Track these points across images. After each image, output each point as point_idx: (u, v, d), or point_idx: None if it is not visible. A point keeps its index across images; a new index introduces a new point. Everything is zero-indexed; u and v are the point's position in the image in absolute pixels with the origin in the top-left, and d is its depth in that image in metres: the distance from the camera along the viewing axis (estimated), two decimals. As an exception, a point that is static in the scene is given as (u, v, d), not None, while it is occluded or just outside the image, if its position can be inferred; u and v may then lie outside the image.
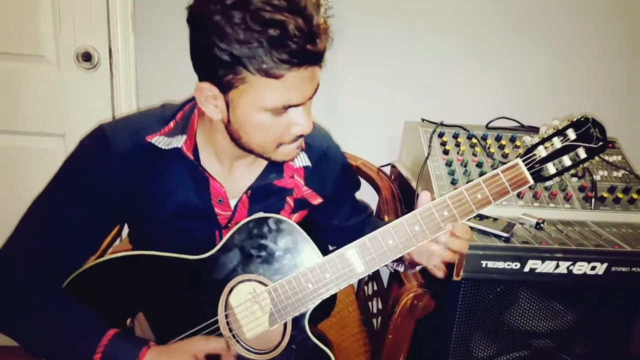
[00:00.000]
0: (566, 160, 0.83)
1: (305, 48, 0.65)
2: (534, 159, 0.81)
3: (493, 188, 0.77)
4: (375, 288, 1.36)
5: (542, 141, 0.85)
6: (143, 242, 0.85)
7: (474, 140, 1.25)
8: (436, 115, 1.41)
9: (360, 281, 1.51)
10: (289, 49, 0.64)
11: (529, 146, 0.85)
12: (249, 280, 0.80)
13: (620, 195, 1.15)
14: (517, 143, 1.28)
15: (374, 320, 1.31)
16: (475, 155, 1.22)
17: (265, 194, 0.87)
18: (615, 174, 1.22)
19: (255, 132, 0.73)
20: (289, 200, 0.89)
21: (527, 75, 1.54)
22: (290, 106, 0.71)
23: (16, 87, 1.49)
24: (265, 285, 0.79)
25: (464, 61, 1.51)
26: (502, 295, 1.08)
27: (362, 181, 1.19)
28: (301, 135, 0.76)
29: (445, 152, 1.22)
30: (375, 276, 1.37)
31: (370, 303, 1.38)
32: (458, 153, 1.22)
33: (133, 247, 0.92)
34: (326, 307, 1.11)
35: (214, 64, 0.67)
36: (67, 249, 0.77)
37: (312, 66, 0.68)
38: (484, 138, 1.27)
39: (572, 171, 0.84)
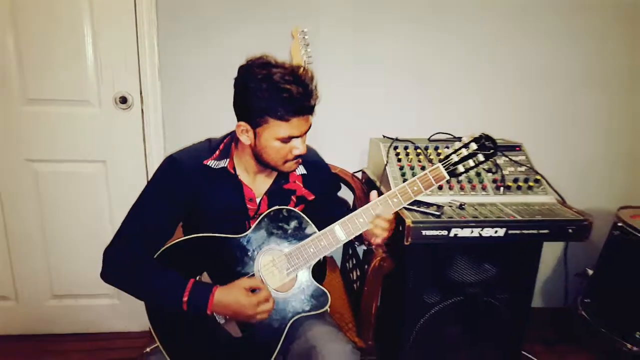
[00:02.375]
0: (471, 163, 1.31)
1: (303, 105, 1.12)
2: (450, 162, 1.29)
3: (423, 182, 1.24)
4: (355, 262, 1.82)
5: (455, 151, 1.32)
6: (199, 229, 1.28)
7: (419, 151, 1.74)
8: (393, 131, 1.89)
9: (343, 259, 1.97)
10: (294, 106, 1.11)
11: (447, 154, 1.33)
12: (272, 249, 1.25)
13: (521, 184, 1.64)
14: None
15: (354, 285, 1.77)
16: (420, 162, 1.70)
17: (278, 194, 1.32)
18: (519, 169, 1.71)
19: (271, 152, 1.19)
20: (293, 197, 1.35)
21: (457, 99, 2.05)
22: (293, 137, 1.17)
23: (68, 125, 1.88)
24: (283, 251, 1.24)
25: (411, 89, 2.01)
26: (440, 255, 1.56)
27: (342, 184, 1.67)
28: (299, 155, 1.22)
29: (399, 160, 1.69)
30: (354, 254, 1.83)
31: (350, 274, 1.84)
32: (408, 160, 1.70)
33: (187, 234, 1.35)
34: (320, 276, 1.57)
35: (249, 112, 1.14)
36: (156, 233, 1.21)
37: (307, 115, 1.15)
38: (426, 148, 1.75)
39: (484, 167, 1.32)
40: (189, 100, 1.94)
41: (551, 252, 2.25)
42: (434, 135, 1.87)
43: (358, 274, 1.74)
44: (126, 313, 2.12)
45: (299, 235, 1.25)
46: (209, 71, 1.91)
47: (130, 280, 1.18)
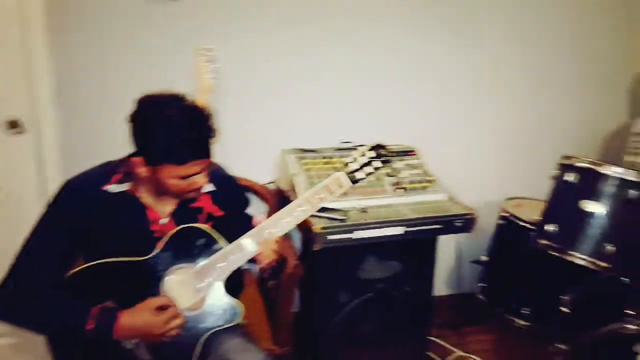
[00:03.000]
0: (369, 169, 1.42)
1: (199, 150, 1.16)
2: (350, 170, 1.39)
3: (328, 189, 1.33)
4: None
5: (355, 159, 1.43)
6: (103, 255, 1.26)
7: (325, 159, 1.84)
8: (305, 142, 1.97)
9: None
10: (191, 151, 1.15)
11: (348, 163, 1.43)
12: (180, 268, 1.27)
13: (417, 185, 1.80)
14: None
15: (271, 294, 1.82)
16: (328, 170, 1.80)
17: (185, 213, 1.33)
18: (415, 171, 1.87)
19: (170, 187, 1.21)
20: (202, 214, 1.37)
21: (362, 108, 2.19)
22: (192, 175, 1.20)
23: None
24: (193, 269, 1.26)
25: (319, 98, 2.12)
26: (349, 256, 1.67)
27: (254, 197, 1.72)
28: (200, 187, 1.24)
29: (308, 170, 1.78)
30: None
31: (267, 284, 1.89)
32: (316, 169, 1.79)
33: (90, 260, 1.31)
34: (236, 289, 1.59)
35: (145, 152, 1.15)
36: (53, 264, 1.17)
37: (205, 158, 1.19)
38: (332, 157, 1.85)
39: (383, 172, 1.43)
40: (86, 123, 1.88)
41: (455, 243, 2.48)
42: (339, 144, 1.98)
43: (274, 282, 1.79)
44: (28, 351, 1.98)
45: (208, 251, 1.27)
46: (108, 91, 1.86)
47: (27, 316, 1.13)
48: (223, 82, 1.81)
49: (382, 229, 1.56)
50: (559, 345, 1.59)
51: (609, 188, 1.49)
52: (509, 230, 2.06)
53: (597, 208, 1.50)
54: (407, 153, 1.93)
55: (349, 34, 2.10)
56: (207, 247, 1.27)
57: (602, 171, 1.50)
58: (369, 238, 1.56)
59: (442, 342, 2.16)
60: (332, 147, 1.95)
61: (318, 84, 2.11)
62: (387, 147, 1.42)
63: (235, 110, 1.97)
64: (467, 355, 2.13)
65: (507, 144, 2.48)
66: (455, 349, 2.15)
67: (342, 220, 1.55)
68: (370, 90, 2.19)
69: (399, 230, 1.59)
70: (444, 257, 2.36)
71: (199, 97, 1.61)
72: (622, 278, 1.60)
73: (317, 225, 1.50)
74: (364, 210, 1.64)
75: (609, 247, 1.48)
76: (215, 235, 1.28)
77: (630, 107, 2.53)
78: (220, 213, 1.40)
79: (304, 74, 2.09)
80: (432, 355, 2.07)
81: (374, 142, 1.44)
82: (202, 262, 1.27)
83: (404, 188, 1.78)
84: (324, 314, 1.72)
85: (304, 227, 1.54)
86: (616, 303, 1.55)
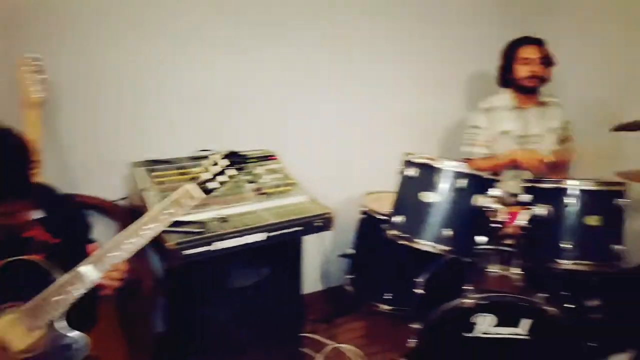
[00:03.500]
0: (223, 178, 1.40)
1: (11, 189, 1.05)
2: (202, 181, 1.35)
3: (177, 203, 1.27)
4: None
5: (207, 169, 1.40)
6: None
7: (180, 170, 1.77)
8: (159, 152, 1.87)
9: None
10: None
11: (199, 173, 1.39)
12: (12, 307, 1.12)
13: (278, 189, 1.83)
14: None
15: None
16: (182, 181, 1.73)
17: (12, 244, 1.18)
18: (276, 176, 1.90)
19: None
20: (33, 244, 1.23)
21: (218, 114, 2.15)
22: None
23: None
24: (24, 306, 1.13)
25: (173, 108, 2.03)
26: (216, 267, 1.64)
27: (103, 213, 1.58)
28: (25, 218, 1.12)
29: (160, 183, 1.70)
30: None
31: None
32: (170, 182, 1.72)
33: None
34: (87, 318, 1.46)
35: None
36: None
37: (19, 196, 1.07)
38: (187, 167, 1.79)
39: (244, 178, 1.42)
40: None
41: (325, 239, 2.58)
42: (195, 152, 1.92)
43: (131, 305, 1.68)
44: None
45: (40, 285, 1.15)
46: None
47: None
48: (60, 94, 1.64)
49: (243, 237, 1.56)
50: (412, 325, 1.75)
51: (443, 180, 1.67)
52: (368, 223, 2.21)
53: (434, 198, 1.67)
54: (268, 158, 1.95)
55: (200, 38, 2.05)
56: (40, 281, 1.15)
57: (437, 165, 1.68)
58: (230, 248, 1.55)
59: (316, 337, 2.24)
60: (187, 156, 1.88)
61: (171, 90, 2.03)
62: (242, 154, 1.42)
63: (78, 123, 1.80)
64: (340, 345, 2.24)
65: (367, 141, 2.65)
66: (329, 342, 2.24)
67: (199, 232, 1.51)
68: (229, 96, 2.17)
69: (261, 237, 1.60)
70: (315, 254, 2.45)
71: (25, 112, 1.44)
72: (462, 258, 1.81)
73: (171, 242, 1.44)
74: (224, 220, 1.62)
75: (446, 232, 1.66)
76: (48, 266, 1.15)
77: (466, 102, 2.87)
78: (55, 241, 1.27)
79: (153, 80, 1.98)
80: (308, 351, 2.13)
81: (227, 150, 1.42)
82: (35, 298, 1.14)
83: (265, 193, 1.79)
84: (193, 329, 1.67)
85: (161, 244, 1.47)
86: (459, 281, 1.75)
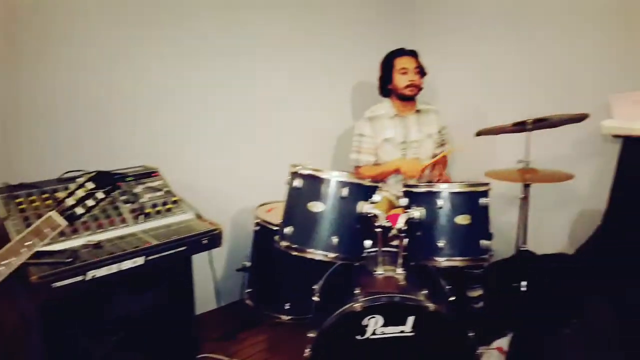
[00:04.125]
0: (90, 202, 1.30)
1: None
2: (64, 208, 1.24)
3: (38, 233, 1.16)
4: None
5: (70, 194, 1.29)
6: None
7: (46, 195, 1.61)
8: (23, 176, 1.69)
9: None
10: None
11: (62, 199, 1.28)
12: None
13: (160, 208, 1.74)
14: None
15: None
16: (49, 207, 1.58)
17: None
18: (157, 194, 1.81)
19: None
20: None
21: (92, 132, 2.00)
22: None
23: None
24: None
25: (41, 127, 1.85)
26: (97, 297, 1.52)
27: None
28: None
29: (22, 211, 1.53)
30: None
31: None
32: (34, 209, 1.55)
33: None
34: None
35: None
36: None
37: None
38: (56, 191, 1.64)
39: (121, 199, 1.32)
40: None
41: (223, 254, 2.52)
42: (65, 174, 1.76)
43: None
44: None
45: None
46: None
47: None
48: None
49: (119, 264, 1.45)
50: (309, 335, 1.76)
51: (328, 189, 1.71)
52: (263, 235, 2.19)
53: (321, 207, 1.70)
54: (149, 175, 1.85)
55: (73, 51, 1.90)
56: None
57: (321, 176, 1.71)
58: (106, 276, 1.44)
59: (216, 356, 2.17)
60: (54, 178, 1.72)
61: (33, 105, 1.84)
62: (117, 172, 1.34)
63: None
64: (242, 361, 2.19)
65: (260, 152, 2.64)
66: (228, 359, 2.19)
67: (68, 262, 1.38)
68: (104, 108, 2.03)
69: (139, 261, 1.50)
70: (210, 271, 2.38)
71: None
72: (352, 262, 1.86)
73: (35, 275, 1.30)
74: (97, 246, 1.50)
75: (335, 239, 1.70)
76: None
77: (353, 112, 2.99)
78: None
79: (11, 95, 1.79)
80: (209, 372, 2.06)
81: (94, 171, 1.33)
82: None
83: (145, 214, 1.70)
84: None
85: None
86: (351, 285, 1.79)
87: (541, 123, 1.93)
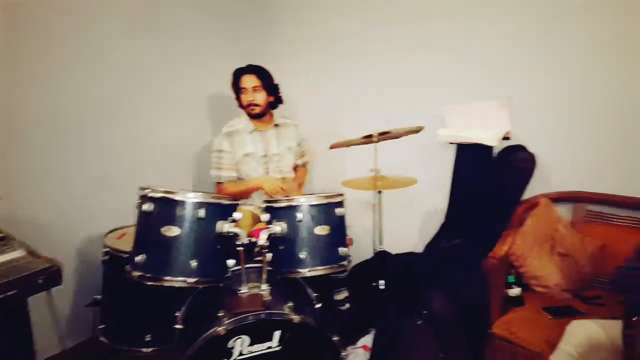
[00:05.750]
0: None
1: None
2: None
3: None
4: None
5: None
6: None
7: None
8: None
9: None
10: None
11: None
12: None
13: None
14: None
15: None
16: None
17: None
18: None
19: None
20: None
21: None
22: None
23: None
24: None
25: None
26: None
27: None
28: None
29: None
30: None
31: None
32: None
33: None
34: None
35: None
36: None
37: None
38: None
39: None
40: None
41: (70, 289, 2.25)
42: None
43: None
44: None
45: None
46: None
47: None
48: None
49: None
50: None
51: (183, 211, 1.63)
52: (113, 264, 2.00)
53: (176, 231, 1.61)
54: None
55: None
56: None
57: (175, 198, 1.62)
58: None
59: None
60: None
61: None
62: None
63: None
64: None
65: (111, 174, 2.42)
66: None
67: None
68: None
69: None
70: (56, 309, 2.10)
71: None
72: (216, 285, 1.80)
73: None
74: None
75: (193, 263, 1.63)
76: None
77: (212, 127, 2.92)
78: None
79: None
80: None
81: None
82: None
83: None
84: None
85: None
86: (215, 308, 1.73)
87: (385, 135, 2.10)
